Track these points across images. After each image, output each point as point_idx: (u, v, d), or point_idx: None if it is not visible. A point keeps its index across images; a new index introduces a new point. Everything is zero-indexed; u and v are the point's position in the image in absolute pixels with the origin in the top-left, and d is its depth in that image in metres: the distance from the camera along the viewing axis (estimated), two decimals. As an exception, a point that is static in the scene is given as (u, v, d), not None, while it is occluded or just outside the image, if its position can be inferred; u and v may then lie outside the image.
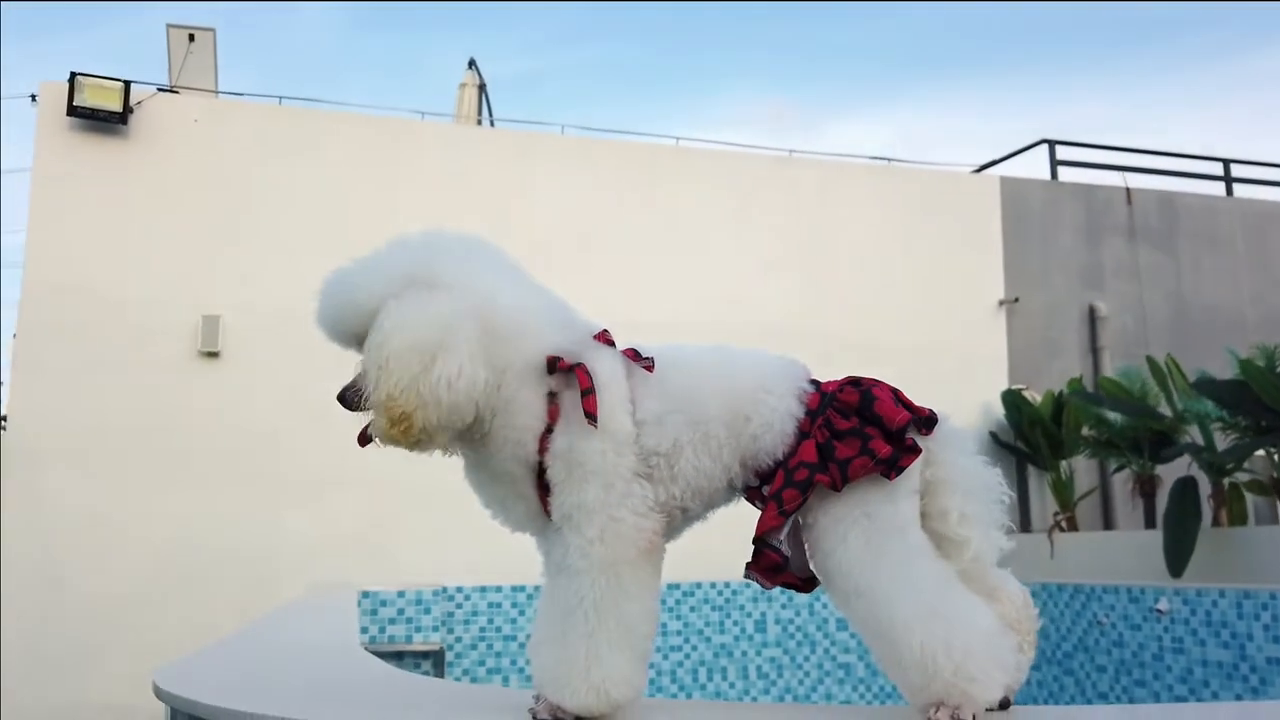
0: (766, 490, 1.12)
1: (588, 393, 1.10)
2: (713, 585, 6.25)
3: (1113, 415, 6.77)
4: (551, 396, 1.14)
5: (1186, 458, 6.18)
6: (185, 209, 6.41)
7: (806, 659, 6.35)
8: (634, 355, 1.18)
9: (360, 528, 6.25)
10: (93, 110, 6.18)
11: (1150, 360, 6.67)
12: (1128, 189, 8.52)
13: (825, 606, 6.59)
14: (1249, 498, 6.08)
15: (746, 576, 1.17)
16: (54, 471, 5.95)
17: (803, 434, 1.10)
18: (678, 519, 1.17)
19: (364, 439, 1.22)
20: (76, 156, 6.28)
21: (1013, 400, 7.46)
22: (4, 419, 6.24)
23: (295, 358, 6.32)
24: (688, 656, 6.10)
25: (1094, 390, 7.05)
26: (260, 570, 6.03)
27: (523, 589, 5.99)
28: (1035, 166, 8.61)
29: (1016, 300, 7.96)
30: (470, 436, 1.20)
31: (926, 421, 1.07)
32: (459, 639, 5.78)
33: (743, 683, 6.20)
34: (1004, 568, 1.13)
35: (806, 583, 1.12)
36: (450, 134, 7.25)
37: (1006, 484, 1.13)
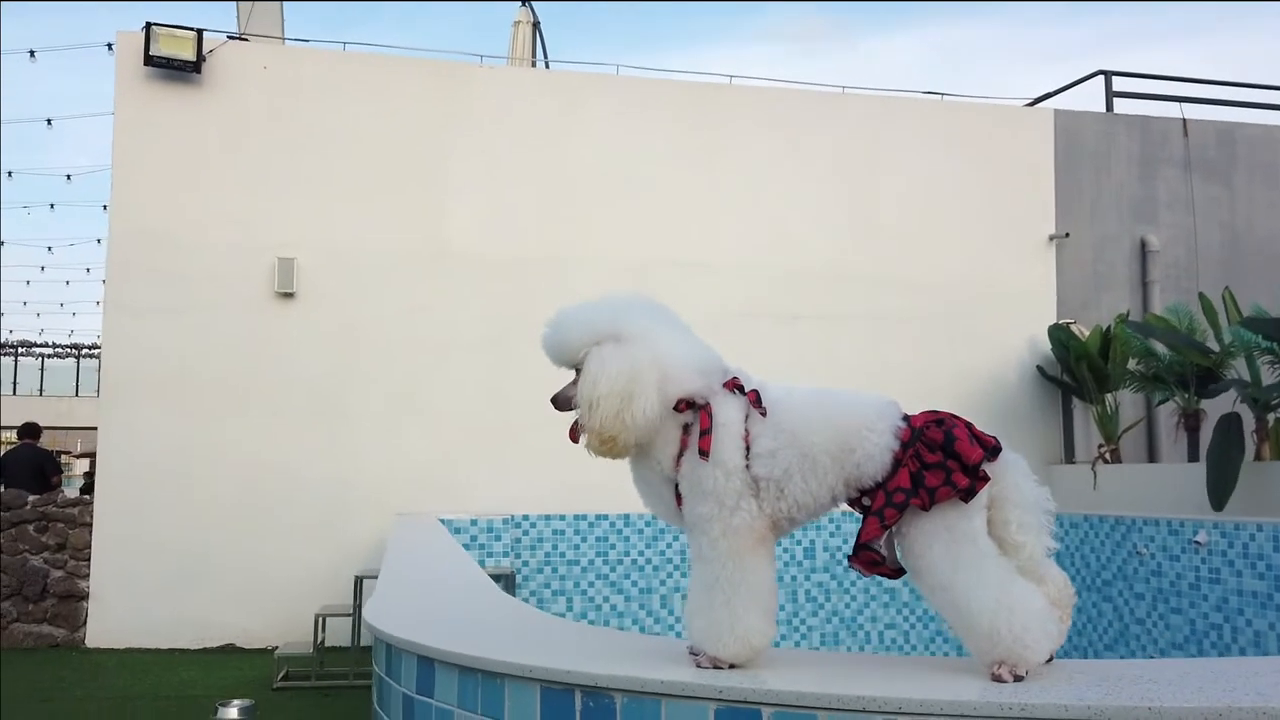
0: (868, 502, 1.40)
1: (705, 433, 1.41)
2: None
3: (1160, 349, 6.88)
4: (685, 429, 1.44)
5: (1232, 393, 6.30)
6: (258, 154, 6.68)
7: (854, 584, 6.66)
8: (755, 399, 1.45)
9: (431, 459, 6.61)
10: (168, 59, 6.42)
11: (1202, 295, 6.74)
12: (1184, 120, 8.44)
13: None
14: (1292, 434, 6.19)
15: (850, 566, 1.45)
16: (145, 405, 6.36)
17: (897, 462, 1.37)
18: (784, 525, 1.49)
19: (575, 436, 1.63)
20: (154, 104, 6.55)
21: (1060, 335, 7.57)
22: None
23: (366, 296, 6.64)
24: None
25: (1135, 328, 7.14)
26: (336, 498, 6.43)
27: (584, 517, 6.34)
28: (1091, 99, 8.54)
29: (1067, 235, 8.01)
30: (643, 449, 1.51)
31: (993, 451, 1.35)
32: (525, 563, 6.17)
33: (792, 605, 6.55)
34: (1049, 512, 1.41)
35: (896, 572, 1.41)
36: (505, 76, 7.40)
37: (1050, 497, 1.39)
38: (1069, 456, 7.83)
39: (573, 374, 1.60)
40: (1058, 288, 7.99)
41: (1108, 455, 7.32)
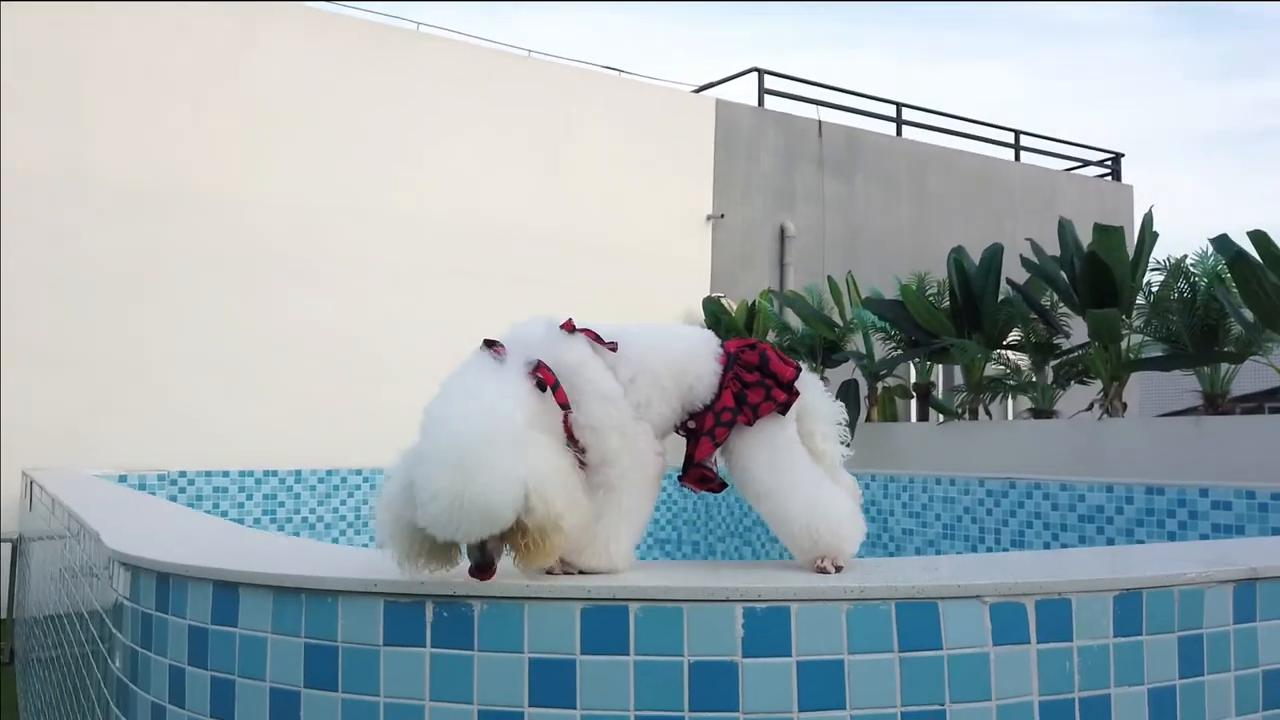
0: (693, 425, 1.52)
1: (555, 386, 1.42)
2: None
3: (795, 323, 7.78)
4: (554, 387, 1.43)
5: (851, 363, 7.29)
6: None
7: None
8: (595, 337, 1.51)
9: (67, 411, 5.90)
10: None
11: (830, 279, 7.69)
12: (820, 121, 9.52)
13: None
14: (897, 401, 7.29)
15: (683, 485, 1.56)
16: None
17: (720, 385, 1.51)
18: None
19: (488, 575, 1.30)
20: None
21: (713, 307, 8.28)
22: None
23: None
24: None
25: (780, 301, 8.01)
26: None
27: (251, 473, 5.99)
28: (746, 92, 9.37)
29: (722, 216, 8.74)
30: None
31: (798, 371, 1.53)
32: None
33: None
34: (842, 423, 1.61)
35: (722, 485, 1.55)
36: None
37: (844, 410, 1.60)
38: (715, 418, 8.60)
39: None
40: (712, 264, 8.72)
41: (748, 417, 8.16)
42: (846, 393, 6.84)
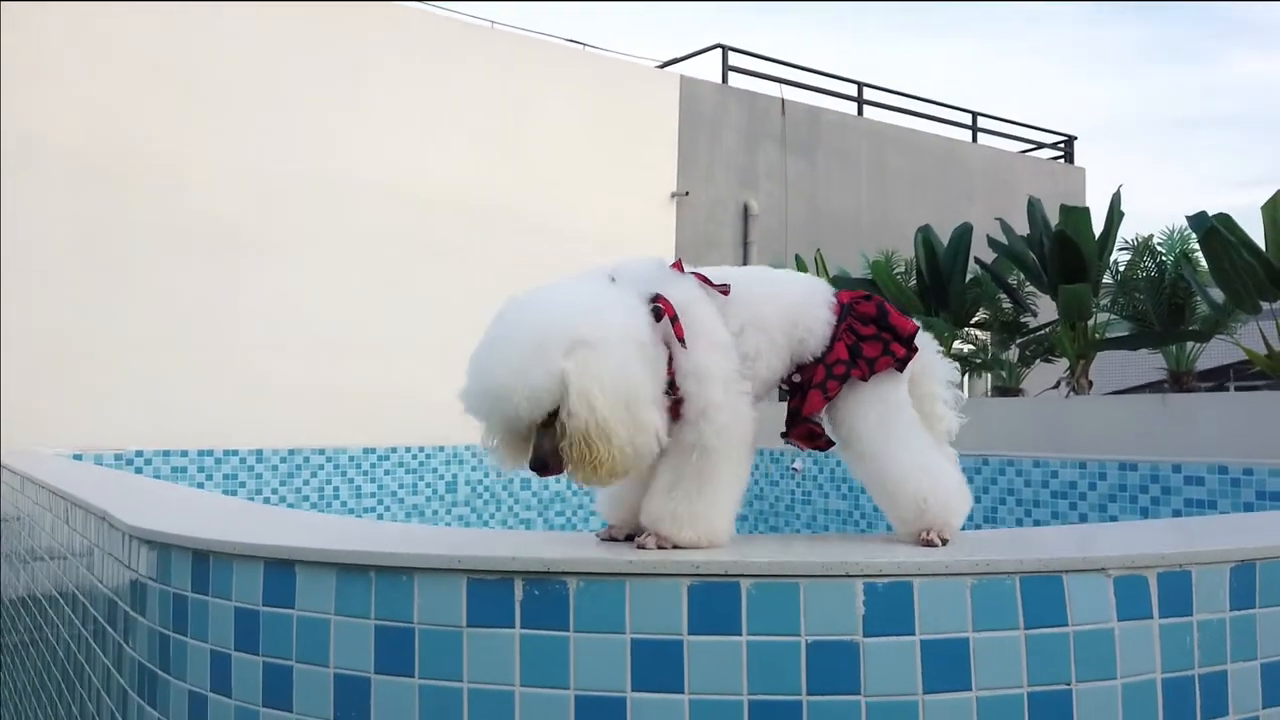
0: (797, 379, 1.43)
1: (675, 319, 1.31)
2: (407, 449, 6.44)
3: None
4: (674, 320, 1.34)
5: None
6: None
7: (492, 515, 6.79)
8: (704, 279, 1.42)
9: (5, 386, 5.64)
10: None
11: (798, 257, 7.68)
12: (783, 100, 9.48)
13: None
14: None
15: (788, 441, 1.48)
16: None
17: (832, 337, 1.41)
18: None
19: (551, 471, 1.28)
20: None
21: (679, 285, 8.24)
22: None
23: None
24: (380, 516, 6.29)
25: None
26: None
27: (210, 453, 5.80)
28: (710, 69, 9.30)
29: (687, 194, 8.68)
30: None
31: (917, 328, 1.45)
32: (140, 503, 5.49)
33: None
34: (956, 389, 1.55)
35: (828, 444, 1.46)
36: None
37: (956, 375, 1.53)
38: (679, 396, 8.58)
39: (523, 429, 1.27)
40: (676, 243, 8.65)
41: (713, 395, 8.14)
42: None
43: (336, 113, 6.89)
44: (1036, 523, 5.41)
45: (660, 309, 1.32)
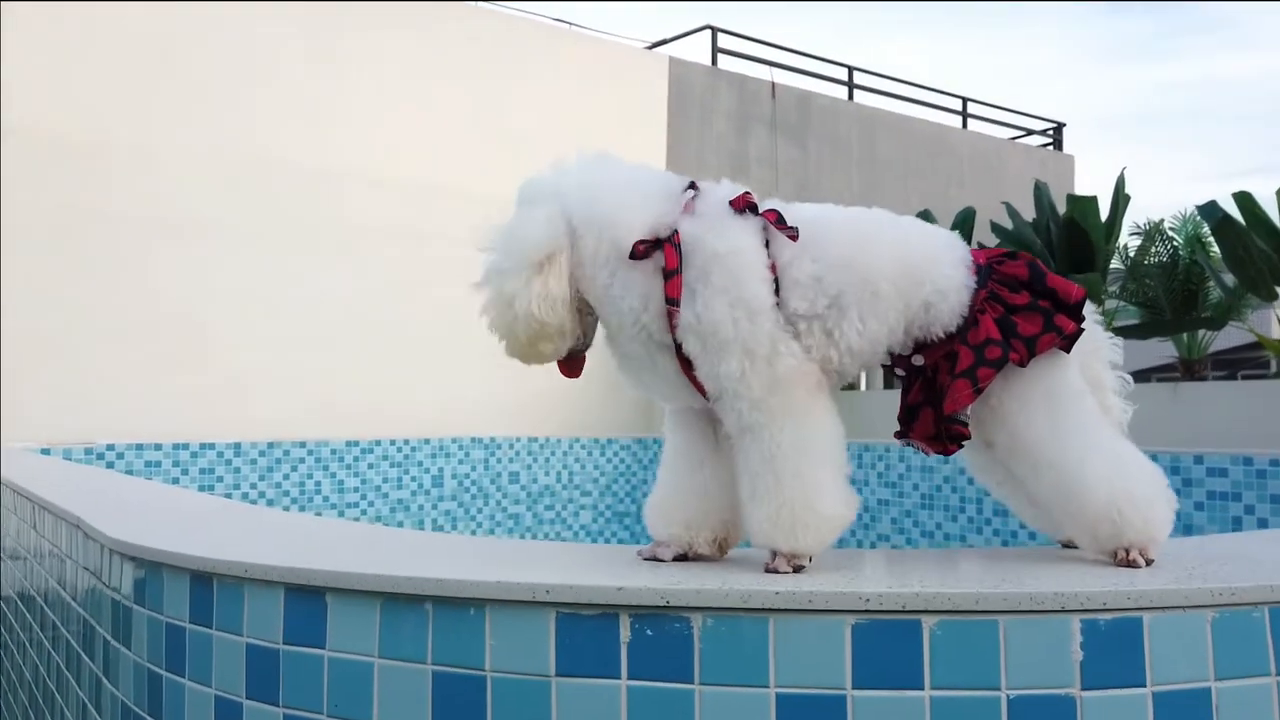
0: (918, 360, 1.15)
1: (672, 274, 1.10)
2: (391, 442, 6.17)
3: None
4: (671, 274, 1.11)
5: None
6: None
7: (480, 510, 6.52)
8: (776, 219, 1.15)
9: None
10: None
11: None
12: (773, 83, 9.25)
13: (500, 461, 6.79)
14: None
15: (906, 444, 1.22)
16: None
17: (973, 308, 1.13)
18: (832, 380, 1.17)
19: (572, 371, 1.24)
20: None
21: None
22: None
23: None
24: (364, 512, 6.01)
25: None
26: None
27: (186, 446, 5.49)
28: (699, 51, 9.04)
29: (678, 178, 8.43)
30: (602, 320, 1.20)
31: (1084, 296, 1.16)
32: (109, 501, 5.18)
33: (416, 536, 6.24)
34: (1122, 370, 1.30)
35: (957, 447, 1.19)
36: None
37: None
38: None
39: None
40: (666, 227, 8.40)
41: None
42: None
43: (315, 96, 6.56)
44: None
45: (665, 246, 1.13)
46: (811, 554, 1.05)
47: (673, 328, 1.11)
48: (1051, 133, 11.41)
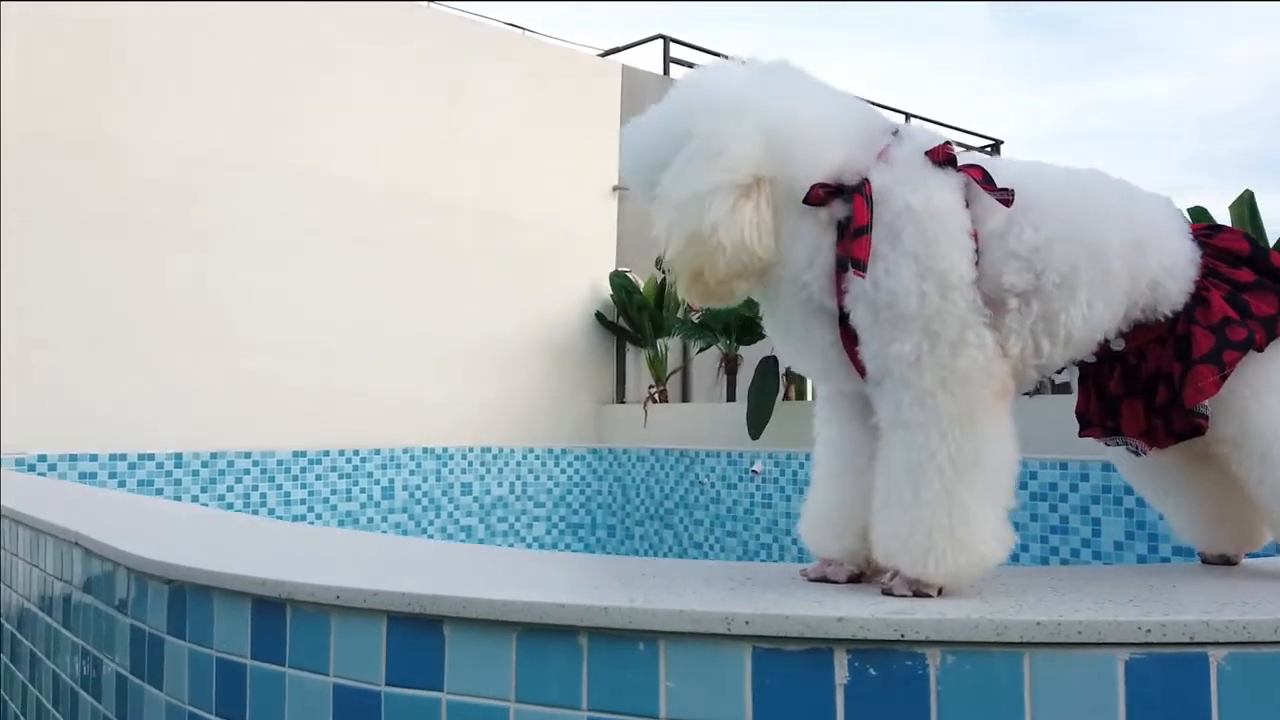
0: (1119, 345, 1.03)
1: (860, 231, 0.94)
2: (340, 453, 5.90)
3: (710, 301, 7.44)
4: (840, 228, 0.96)
5: (767, 340, 7.03)
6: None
7: (431, 523, 6.28)
8: (982, 177, 1.00)
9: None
10: None
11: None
12: (724, 94, 9.22)
13: (452, 472, 6.56)
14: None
15: (1119, 444, 1.09)
16: None
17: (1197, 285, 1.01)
18: (1030, 376, 1.03)
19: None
20: None
21: (622, 282, 7.85)
22: None
23: None
24: (311, 525, 5.72)
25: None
26: None
27: (123, 457, 5.16)
28: (651, 60, 8.96)
29: (629, 188, 8.32)
30: (770, 273, 1.04)
31: None
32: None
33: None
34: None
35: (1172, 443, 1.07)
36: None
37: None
38: (620, 397, 8.19)
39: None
40: (618, 237, 8.27)
41: (656, 396, 7.79)
42: (766, 369, 6.56)
43: (264, 96, 6.26)
44: (1015, 526, 5.23)
45: (854, 197, 0.98)
46: (941, 587, 0.92)
47: (840, 292, 0.96)
48: (989, 150, 11.63)
